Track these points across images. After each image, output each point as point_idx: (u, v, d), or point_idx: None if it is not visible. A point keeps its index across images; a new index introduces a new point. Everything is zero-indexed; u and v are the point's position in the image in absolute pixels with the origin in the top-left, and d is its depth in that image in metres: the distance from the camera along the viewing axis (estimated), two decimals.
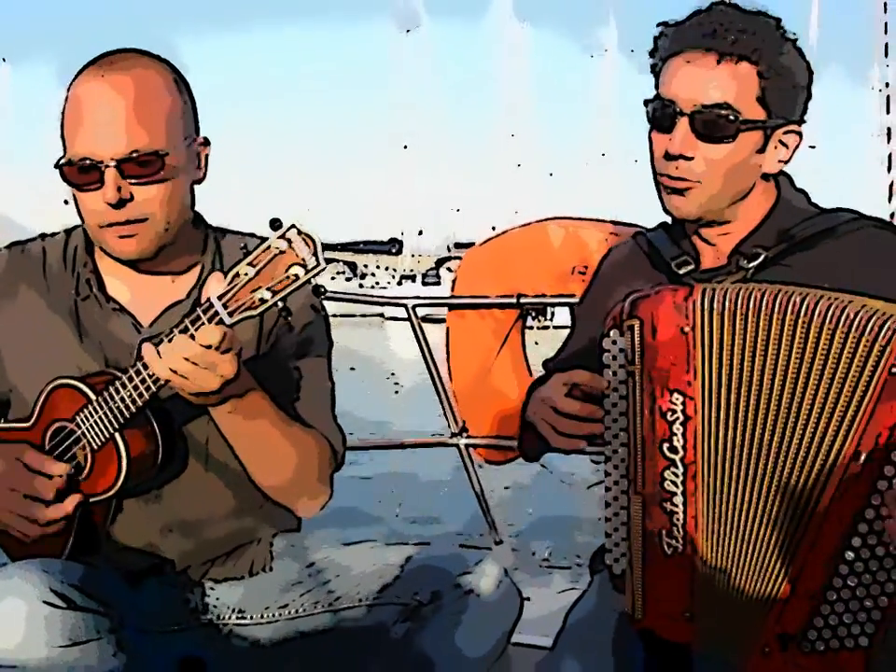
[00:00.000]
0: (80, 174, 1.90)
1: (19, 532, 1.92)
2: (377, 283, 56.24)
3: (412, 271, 61.03)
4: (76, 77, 1.95)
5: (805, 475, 1.66)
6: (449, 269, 56.16)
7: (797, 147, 1.97)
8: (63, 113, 1.94)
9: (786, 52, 1.91)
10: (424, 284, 53.02)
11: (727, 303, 1.71)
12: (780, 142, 1.95)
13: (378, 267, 62.84)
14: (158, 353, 1.74)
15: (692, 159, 1.90)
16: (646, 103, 1.96)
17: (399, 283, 55.66)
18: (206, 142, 2.03)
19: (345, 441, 2.11)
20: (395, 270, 61.74)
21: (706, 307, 1.72)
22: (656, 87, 1.97)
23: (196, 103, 2.02)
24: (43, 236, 2.13)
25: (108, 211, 1.89)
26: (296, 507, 2.09)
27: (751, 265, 1.91)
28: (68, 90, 1.95)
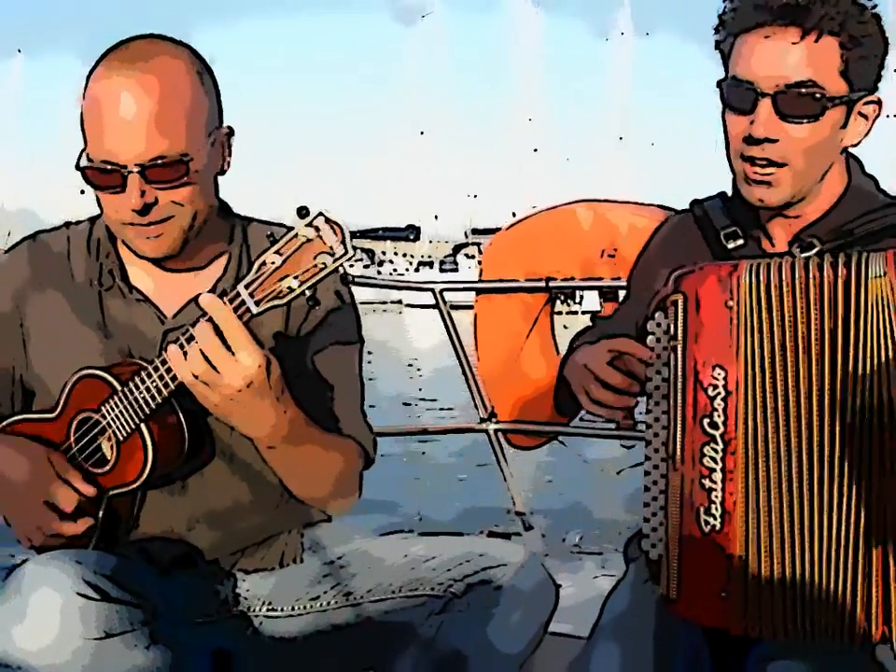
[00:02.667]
0: (102, 176, 1.86)
1: (23, 534, 1.90)
2: (395, 269, 56.46)
3: (429, 257, 61.23)
4: (95, 66, 1.89)
5: (851, 451, 1.64)
6: (467, 255, 56.52)
7: (877, 116, 1.89)
8: (82, 108, 1.89)
9: (865, 20, 1.82)
10: (441, 270, 53.23)
11: (771, 278, 1.68)
12: (860, 113, 1.87)
13: (396, 254, 63.08)
14: (184, 354, 1.71)
15: (776, 141, 1.82)
16: (719, 84, 1.87)
17: (417, 269, 55.87)
18: (230, 132, 1.98)
19: (376, 442, 2.08)
20: (412, 256, 61.93)
21: (751, 282, 1.69)
22: (725, 64, 1.88)
23: (220, 90, 1.97)
24: (68, 224, 2.10)
25: (132, 213, 1.86)
26: (326, 509, 2.08)
27: (803, 255, 1.83)
28: (87, 80, 1.89)
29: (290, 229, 1.64)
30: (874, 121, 1.90)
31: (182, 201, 1.87)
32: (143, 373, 1.81)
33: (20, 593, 1.69)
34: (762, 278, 1.69)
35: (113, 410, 1.86)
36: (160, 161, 1.83)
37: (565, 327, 3.48)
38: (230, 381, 1.70)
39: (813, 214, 1.91)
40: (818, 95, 1.80)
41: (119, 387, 1.85)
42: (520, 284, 3.37)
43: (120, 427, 1.86)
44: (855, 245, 1.83)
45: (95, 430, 1.89)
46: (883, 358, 1.62)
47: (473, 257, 54.20)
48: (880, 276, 1.63)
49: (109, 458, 1.90)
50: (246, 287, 1.67)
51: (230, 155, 1.99)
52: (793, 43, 1.79)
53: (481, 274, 3.48)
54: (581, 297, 3.69)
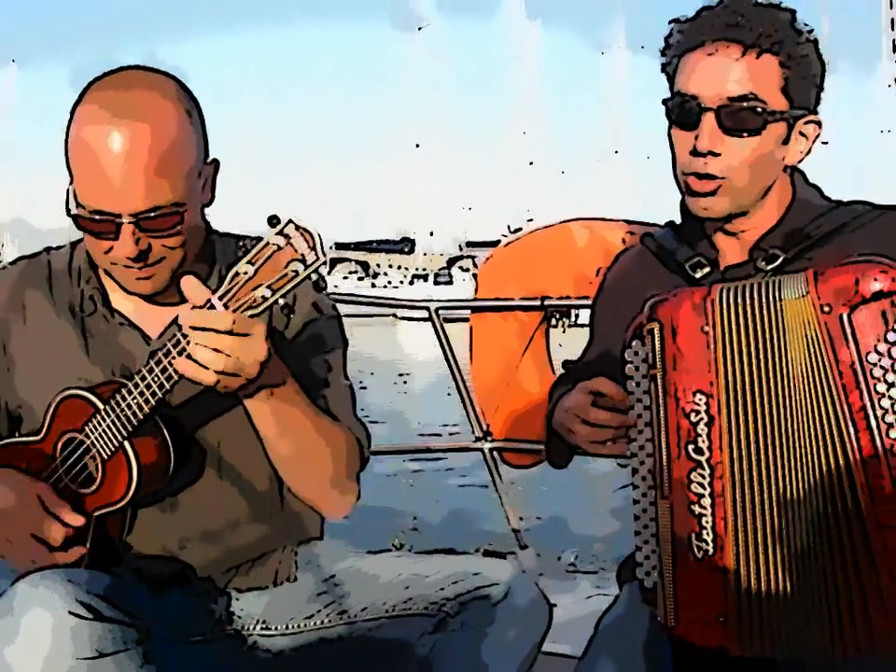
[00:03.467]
0: (95, 224, 1.85)
1: (15, 565, 1.88)
2: (389, 282, 56.49)
3: (424, 270, 61.26)
4: (81, 97, 1.87)
5: (830, 465, 1.65)
6: (461, 268, 56.62)
7: (817, 137, 1.96)
8: (70, 144, 1.86)
9: (802, 43, 1.89)
10: (436, 283, 53.22)
11: (745, 300, 1.71)
12: (801, 133, 1.93)
13: (390, 266, 63.15)
14: (188, 356, 1.70)
15: (720, 154, 1.87)
16: (665, 102, 1.93)
17: (412, 282, 55.87)
18: (216, 165, 1.98)
19: (370, 437, 2.07)
20: (406, 269, 61.96)
21: (724, 305, 1.72)
22: (671, 85, 1.94)
23: (206, 125, 1.95)
24: (48, 250, 2.10)
25: (124, 258, 1.86)
26: (325, 506, 2.06)
27: (770, 267, 1.89)
28: (73, 112, 1.86)
29: (261, 239, 1.65)
30: (814, 142, 1.96)
31: (175, 245, 1.88)
32: (123, 390, 1.81)
33: (11, 612, 1.68)
34: (734, 301, 1.72)
35: (96, 429, 1.85)
36: (153, 214, 1.82)
37: (560, 345, 3.49)
38: (257, 352, 1.70)
39: (761, 228, 1.96)
40: (759, 109, 1.86)
41: (100, 406, 1.85)
42: (515, 302, 3.38)
43: (104, 445, 1.85)
44: (813, 248, 1.89)
45: (80, 450, 1.89)
46: (810, 381, 1.66)
47: (468, 269, 54.26)
48: (801, 297, 1.68)
49: (95, 478, 1.89)
50: (220, 298, 1.66)
51: (213, 187, 1.98)
52: (735, 60, 1.85)
53: (476, 292, 3.49)
54: (577, 315, 3.69)
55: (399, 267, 63.32)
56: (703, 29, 1.88)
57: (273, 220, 1.63)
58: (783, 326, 1.68)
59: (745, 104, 1.85)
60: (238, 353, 1.69)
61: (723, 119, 1.86)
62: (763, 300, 1.70)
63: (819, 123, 1.95)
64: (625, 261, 2.17)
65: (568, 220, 3.36)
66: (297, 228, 1.62)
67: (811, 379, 1.66)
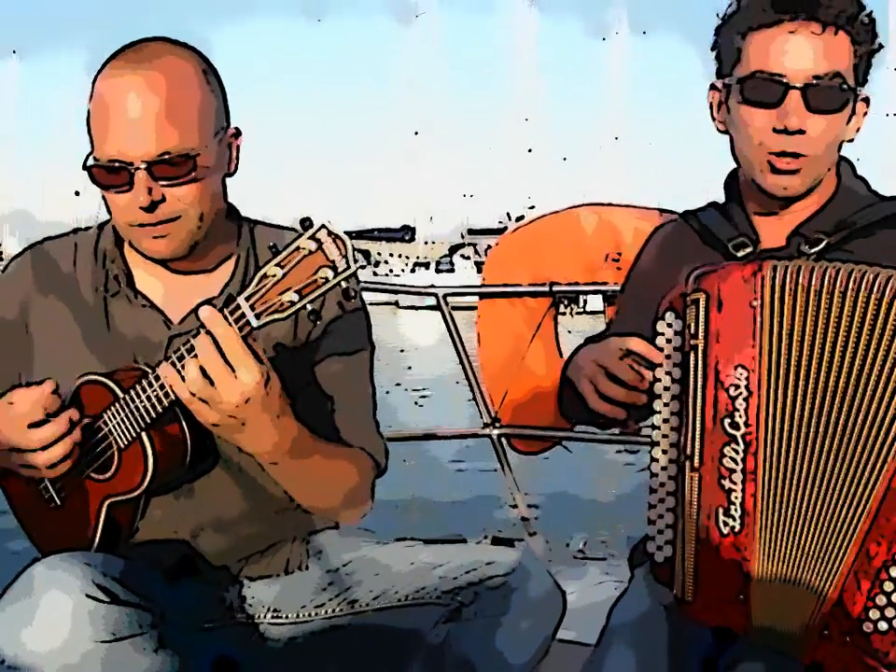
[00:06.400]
0: (109, 175, 1.85)
1: (27, 471, 1.88)
2: (391, 270, 56.43)
3: (425, 258, 61.23)
4: (101, 69, 1.89)
5: (868, 455, 1.64)
6: (463, 255, 56.55)
7: (865, 114, 1.95)
8: (89, 109, 1.89)
9: (868, 21, 1.89)
10: (437, 271, 53.18)
11: (799, 279, 1.70)
12: (854, 110, 1.93)
13: (391, 255, 63.09)
14: (180, 370, 1.70)
15: (805, 132, 1.85)
16: (741, 80, 1.90)
17: (413, 270, 55.85)
18: (238, 133, 1.97)
19: (387, 451, 2.07)
20: (408, 257, 61.95)
21: (776, 282, 1.71)
22: (720, 66, 1.94)
23: (226, 92, 1.96)
24: (76, 230, 2.10)
25: (139, 212, 1.85)
26: (336, 519, 2.08)
27: (813, 251, 1.87)
28: (94, 83, 1.89)
29: (297, 235, 1.62)
30: (864, 118, 1.95)
31: (189, 199, 1.87)
32: (144, 381, 1.80)
33: (29, 595, 1.68)
34: (787, 280, 1.70)
35: (115, 417, 1.84)
36: (167, 157, 1.82)
37: (568, 331, 3.49)
38: (227, 398, 1.68)
39: (802, 212, 1.95)
40: (844, 87, 1.86)
41: (120, 395, 1.84)
42: (523, 288, 3.38)
43: (122, 434, 1.84)
44: (855, 236, 1.88)
45: (97, 437, 1.88)
46: (864, 380, 1.64)
47: (469, 257, 54.26)
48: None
49: (111, 465, 1.88)
50: (247, 299, 1.65)
51: (237, 157, 1.98)
52: (819, 37, 1.84)
53: (484, 278, 3.49)
54: (585, 301, 3.70)
55: (401, 255, 63.32)
56: (780, 5, 1.86)
57: (306, 223, 1.61)
58: (854, 316, 1.66)
59: (830, 82, 1.85)
60: (220, 384, 1.67)
61: (809, 97, 1.84)
62: (835, 285, 1.68)
63: (868, 100, 1.94)
64: (663, 237, 2.15)
65: (576, 206, 3.36)
66: (329, 234, 1.59)
67: (865, 378, 1.65)
